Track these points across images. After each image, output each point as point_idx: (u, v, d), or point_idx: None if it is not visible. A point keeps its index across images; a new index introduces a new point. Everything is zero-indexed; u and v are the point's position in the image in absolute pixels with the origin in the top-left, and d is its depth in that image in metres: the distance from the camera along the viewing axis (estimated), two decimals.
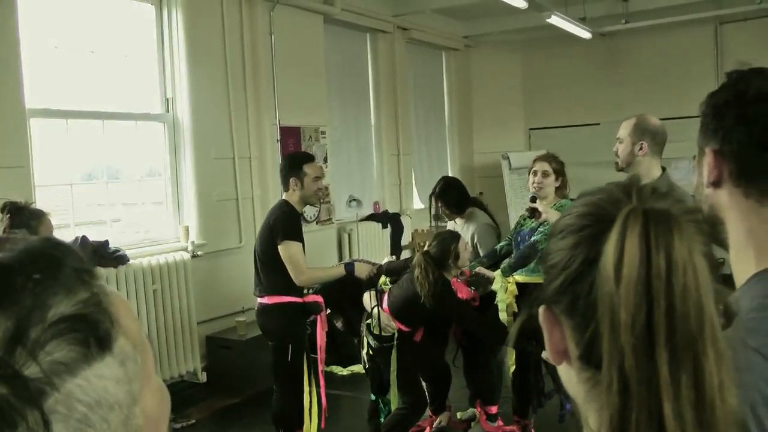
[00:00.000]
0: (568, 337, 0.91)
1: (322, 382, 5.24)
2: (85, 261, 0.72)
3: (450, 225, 5.96)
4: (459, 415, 5.86)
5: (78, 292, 0.67)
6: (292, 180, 5.02)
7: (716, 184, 1.39)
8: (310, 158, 5.22)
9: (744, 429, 0.82)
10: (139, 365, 0.72)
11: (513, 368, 5.23)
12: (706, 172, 1.40)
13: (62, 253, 0.70)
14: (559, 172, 5.09)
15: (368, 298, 5.25)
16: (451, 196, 5.87)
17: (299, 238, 4.99)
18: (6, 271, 0.64)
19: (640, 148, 4.03)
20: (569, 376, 0.94)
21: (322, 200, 5.18)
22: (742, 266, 1.37)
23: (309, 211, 8.16)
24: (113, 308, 0.70)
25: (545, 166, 5.08)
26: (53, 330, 0.64)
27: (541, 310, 0.95)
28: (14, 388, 0.60)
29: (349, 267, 5.19)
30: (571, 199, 4.98)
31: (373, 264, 5.43)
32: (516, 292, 5.07)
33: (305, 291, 5.15)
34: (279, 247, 4.89)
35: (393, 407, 5.19)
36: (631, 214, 0.83)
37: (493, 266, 5.40)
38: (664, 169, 4.06)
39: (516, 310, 5.06)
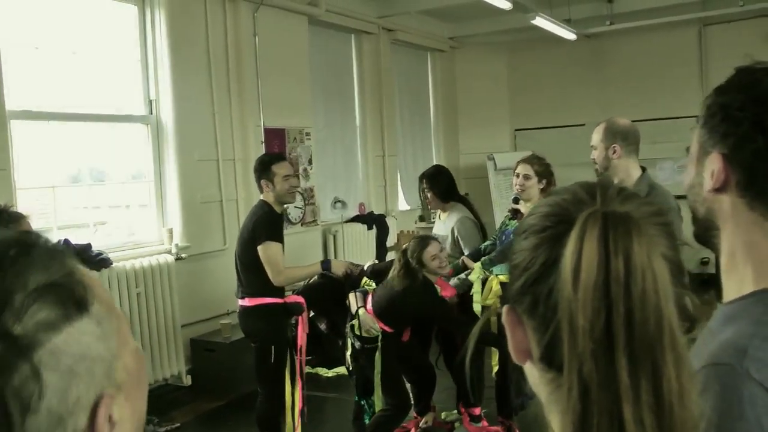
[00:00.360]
0: (530, 338, 0.90)
1: (299, 384, 5.21)
2: (57, 245, 0.82)
3: (435, 227, 5.96)
4: (444, 415, 5.86)
5: (52, 266, 0.77)
6: (263, 182, 5.03)
7: (719, 190, 1.30)
8: (278, 158, 5.22)
9: None
10: (114, 326, 0.81)
11: (496, 368, 5.23)
12: (710, 176, 1.31)
13: (33, 237, 0.80)
14: (543, 173, 5.08)
15: (353, 299, 5.24)
16: (440, 182, 5.88)
17: (279, 238, 4.99)
18: None
19: (614, 152, 4.04)
20: (533, 375, 0.93)
21: (296, 199, 5.16)
22: (735, 279, 1.30)
23: (294, 213, 8.16)
24: (86, 279, 0.80)
25: (526, 169, 5.09)
26: (35, 295, 0.73)
27: (504, 309, 0.94)
28: (6, 345, 0.70)
29: (326, 264, 5.23)
30: None
31: (356, 265, 5.43)
32: (500, 292, 5.07)
33: (286, 292, 5.15)
34: (258, 248, 4.89)
35: (377, 409, 5.18)
36: (590, 218, 0.82)
37: None
38: (644, 169, 4.07)
39: (500, 310, 5.04)
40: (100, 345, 0.78)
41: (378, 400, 5.17)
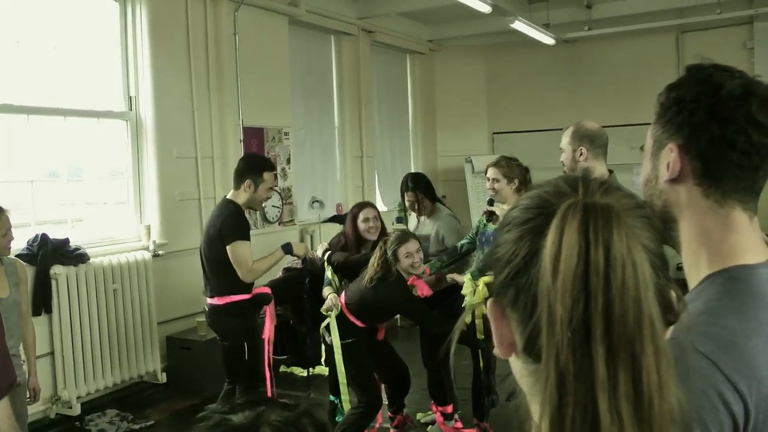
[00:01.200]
0: (514, 330, 0.90)
1: (268, 375, 5.20)
2: None
3: (419, 228, 5.98)
4: (419, 416, 5.89)
5: None
6: (248, 181, 4.99)
7: (675, 180, 1.37)
8: (271, 166, 5.20)
9: (684, 428, 0.82)
10: None
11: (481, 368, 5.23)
12: (666, 168, 1.38)
13: None
14: (511, 175, 5.10)
15: (327, 294, 5.27)
16: (429, 187, 6.01)
17: (248, 237, 4.98)
18: None
19: (581, 154, 4.13)
20: (517, 368, 0.93)
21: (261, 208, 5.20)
22: (694, 267, 1.37)
23: (271, 212, 8.16)
24: None
25: (494, 173, 5.12)
26: None
27: (489, 302, 0.94)
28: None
29: (287, 248, 5.19)
30: None
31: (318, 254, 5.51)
32: (487, 294, 5.07)
33: (253, 286, 5.15)
34: (227, 248, 4.86)
35: (345, 407, 5.20)
36: (570, 208, 0.82)
37: (453, 263, 5.48)
38: (611, 171, 4.13)
39: (486, 311, 5.04)
40: None
41: (345, 400, 5.20)
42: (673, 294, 0.86)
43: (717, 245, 1.34)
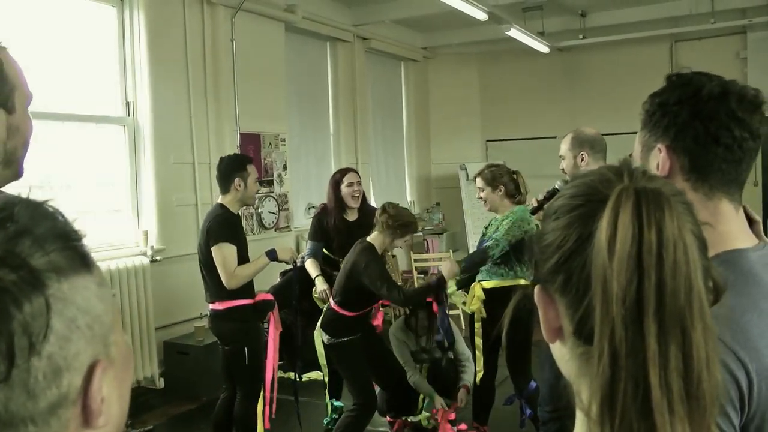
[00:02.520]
0: (563, 315, 0.93)
1: (267, 388, 5.19)
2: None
3: None
4: (410, 419, 5.88)
5: (58, 219, 0.77)
6: (237, 180, 4.97)
7: (666, 178, 1.44)
8: (250, 159, 5.18)
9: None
10: (110, 297, 0.81)
11: (481, 374, 5.23)
12: (656, 168, 1.48)
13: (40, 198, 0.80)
14: (497, 183, 5.09)
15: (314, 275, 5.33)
16: None
17: (233, 240, 4.90)
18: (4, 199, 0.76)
19: (582, 159, 4.18)
20: (562, 353, 0.96)
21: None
22: None
23: (268, 218, 8.17)
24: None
25: (479, 183, 5.15)
26: (46, 238, 0.74)
27: (536, 290, 0.97)
28: (23, 273, 0.70)
29: (271, 254, 5.14)
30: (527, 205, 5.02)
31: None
32: (483, 297, 5.09)
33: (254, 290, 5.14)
34: (212, 249, 4.83)
35: (329, 410, 5.21)
36: (623, 192, 0.86)
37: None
38: None
39: (484, 315, 5.08)
40: (100, 306, 0.78)
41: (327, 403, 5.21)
42: (716, 275, 0.90)
43: (708, 236, 1.41)
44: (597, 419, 0.83)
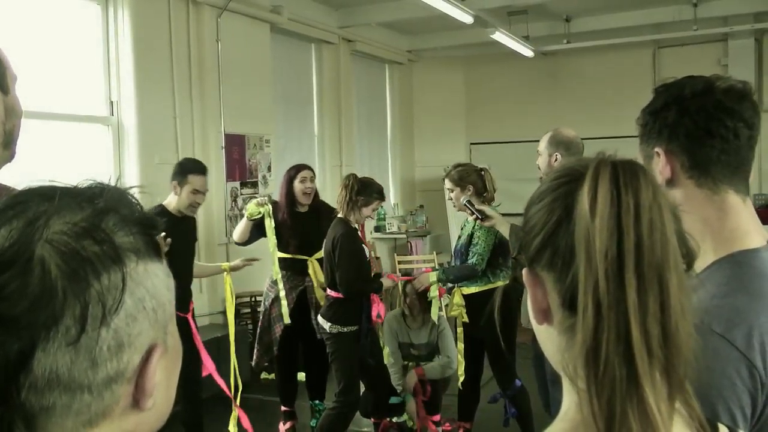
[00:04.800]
0: (550, 291, 0.96)
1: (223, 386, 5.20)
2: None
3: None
4: (395, 419, 5.89)
5: (135, 208, 0.84)
6: (173, 183, 5.02)
7: (670, 182, 1.49)
8: (199, 170, 5.11)
9: (709, 407, 0.89)
10: (174, 290, 0.86)
11: (462, 378, 5.22)
12: (659, 173, 1.50)
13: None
14: (464, 183, 5.03)
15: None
16: None
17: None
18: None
19: (555, 160, 4.25)
20: (549, 334, 0.99)
21: (195, 213, 5.13)
22: (700, 256, 1.46)
23: None
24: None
25: (447, 184, 5.09)
26: (125, 220, 0.80)
27: (524, 272, 1.01)
28: (104, 249, 0.75)
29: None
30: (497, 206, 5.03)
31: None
32: (463, 302, 5.10)
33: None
34: None
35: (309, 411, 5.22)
36: (601, 163, 0.91)
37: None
38: None
39: (466, 319, 5.09)
40: (166, 296, 0.83)
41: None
42: (689, 241, 0.95)
43: (718, 231, 1.46)
44: (582, 372, 0.87)
